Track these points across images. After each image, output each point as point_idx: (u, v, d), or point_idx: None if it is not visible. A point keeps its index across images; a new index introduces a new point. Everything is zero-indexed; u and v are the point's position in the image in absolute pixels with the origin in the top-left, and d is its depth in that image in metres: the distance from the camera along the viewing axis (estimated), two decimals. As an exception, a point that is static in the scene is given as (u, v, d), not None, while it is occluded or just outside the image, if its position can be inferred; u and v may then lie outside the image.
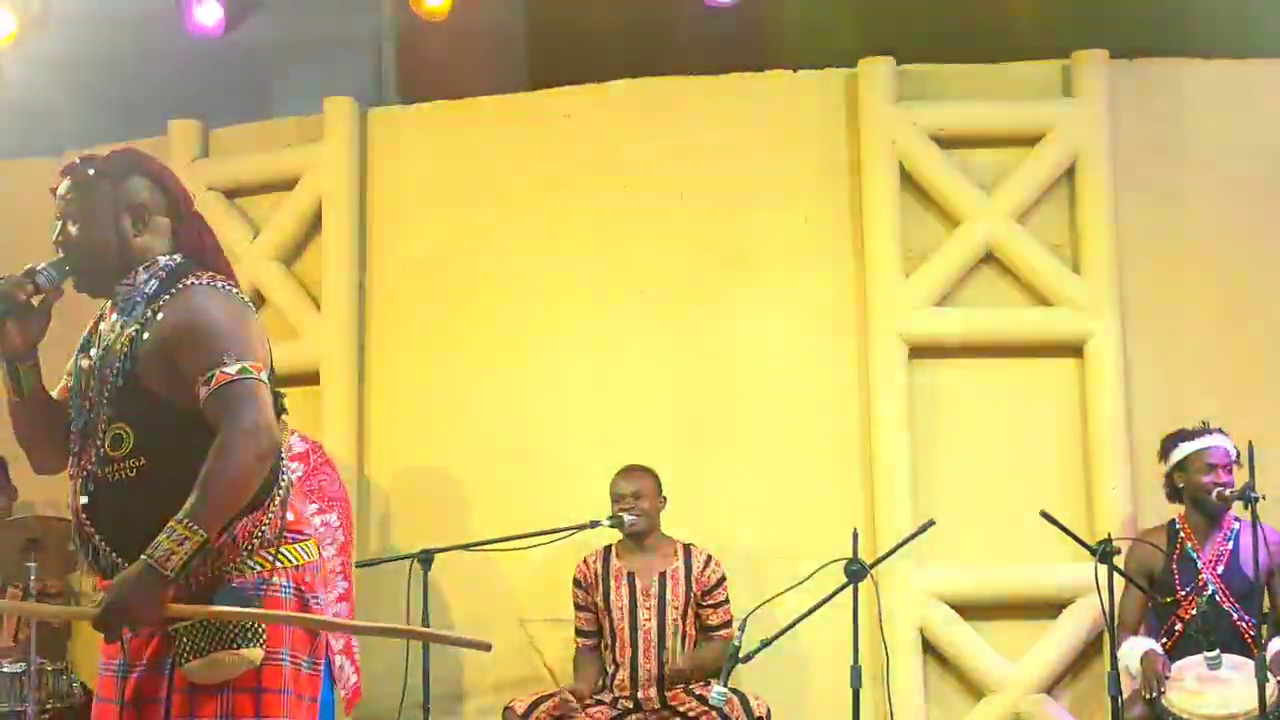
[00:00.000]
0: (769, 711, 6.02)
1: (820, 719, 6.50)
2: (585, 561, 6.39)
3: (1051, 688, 6.51)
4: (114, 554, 3.41)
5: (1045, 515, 5.76)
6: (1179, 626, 5.95)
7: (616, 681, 6.23)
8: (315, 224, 7.29)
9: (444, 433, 7.13)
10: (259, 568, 3.45)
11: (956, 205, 6.76)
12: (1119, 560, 5.78)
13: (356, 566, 6.52)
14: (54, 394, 3.63)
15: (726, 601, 6.28)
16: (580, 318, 7.06)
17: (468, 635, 3.80)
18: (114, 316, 3.55)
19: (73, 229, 3.52)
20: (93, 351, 3.54)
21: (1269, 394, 6.60)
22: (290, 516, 3.55)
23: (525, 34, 7.78)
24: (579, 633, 6.37)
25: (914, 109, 6.81)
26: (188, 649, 3.35)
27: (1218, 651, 5.69)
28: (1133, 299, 6.68)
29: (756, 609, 5.50)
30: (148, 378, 3.42)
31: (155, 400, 3.42)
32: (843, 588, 5.46)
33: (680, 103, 7.12)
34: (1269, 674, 5.48)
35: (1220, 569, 5.98)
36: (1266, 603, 5.92)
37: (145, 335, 3.44)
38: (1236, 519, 6.04)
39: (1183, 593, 5.97)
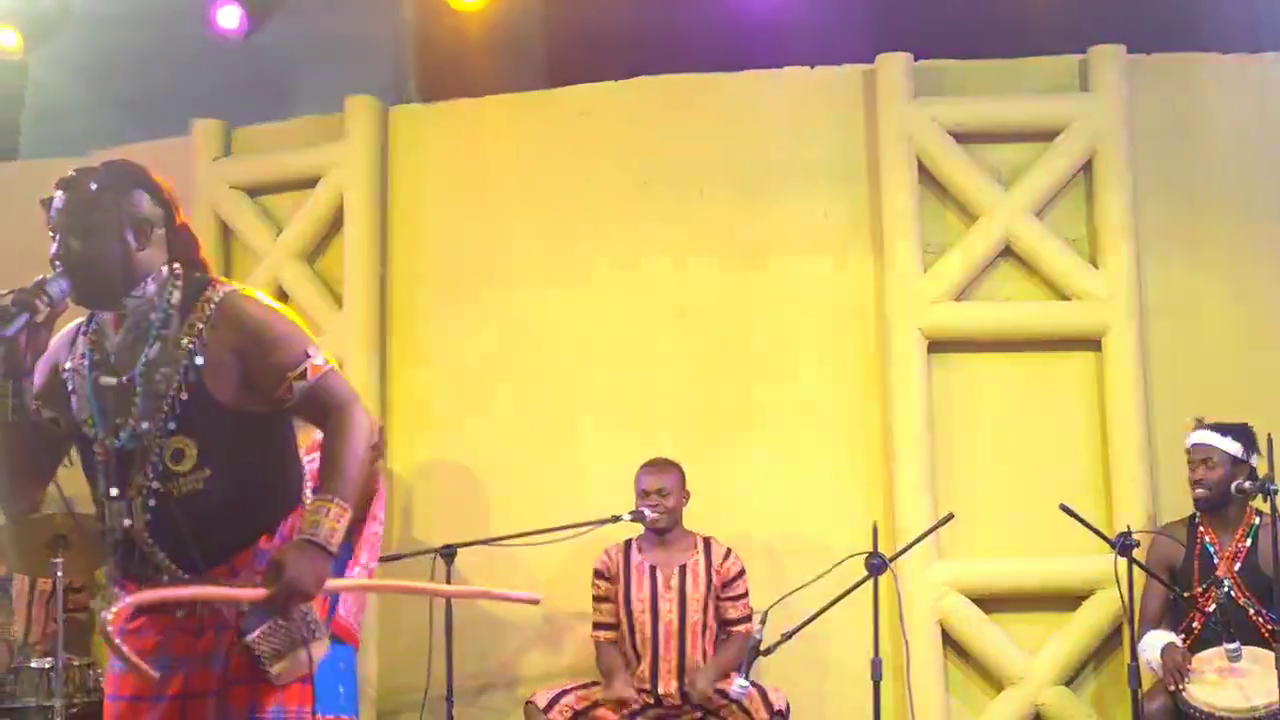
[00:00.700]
0: (788, 705, 6.05)
1: (840, 712, 6.53)
2: (607, 553, 6.42)
3: (1071, 680, 6.52)
4: (174, 565, 3.44)
5: (1065, 508, 5.77)
6: (1197, 622, 5.95)
7: (637, 674, 6.26)
8: (337, 222, 7.33)
9: (465, 428, 7.17)
10: None
11: (974, 200, 6.77)
12: (1138, 553, 5.78)
13: (379, 561, 6.56)
14: None
15: (746, 595, 6.31)
16: (600, 313, 7.10)
17: (513, 593, 3.88)
18: (121, 331, 3.53)
19: (76, 244, 3.46)
20: (138, 363, 3.49)
21: (1288, 386, 6.60)
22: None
23: (544, 32, 7.80)
24: (600, 626, 6.39)
25: (932, 105, 6.82)
26: (271, 652, 3.40)
27: (1238, 644, 5.67)
28: (1151, 292, 6.69)
29: (777, 602, 5.53)
30: (215, 389, 3.44)
31: (220, 410, 3.45)
32: (863, 581, 5.48)
33: (698, 100, 7.15)
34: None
35: (1238, 565, 5.96)
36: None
37: (206, 346, 3.45)
38: (1259, 514, 6.02)
39: (1201, 587, 5.98)
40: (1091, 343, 6.69)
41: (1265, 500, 5.64)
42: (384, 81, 7.65)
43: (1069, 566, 6.50)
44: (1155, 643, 5.88)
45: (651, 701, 6.21)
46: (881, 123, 6.83)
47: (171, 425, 3.44)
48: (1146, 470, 6.54)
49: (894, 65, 6.87)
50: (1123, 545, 5.62)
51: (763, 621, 5.36)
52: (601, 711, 6.16)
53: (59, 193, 3.52)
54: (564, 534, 6.28)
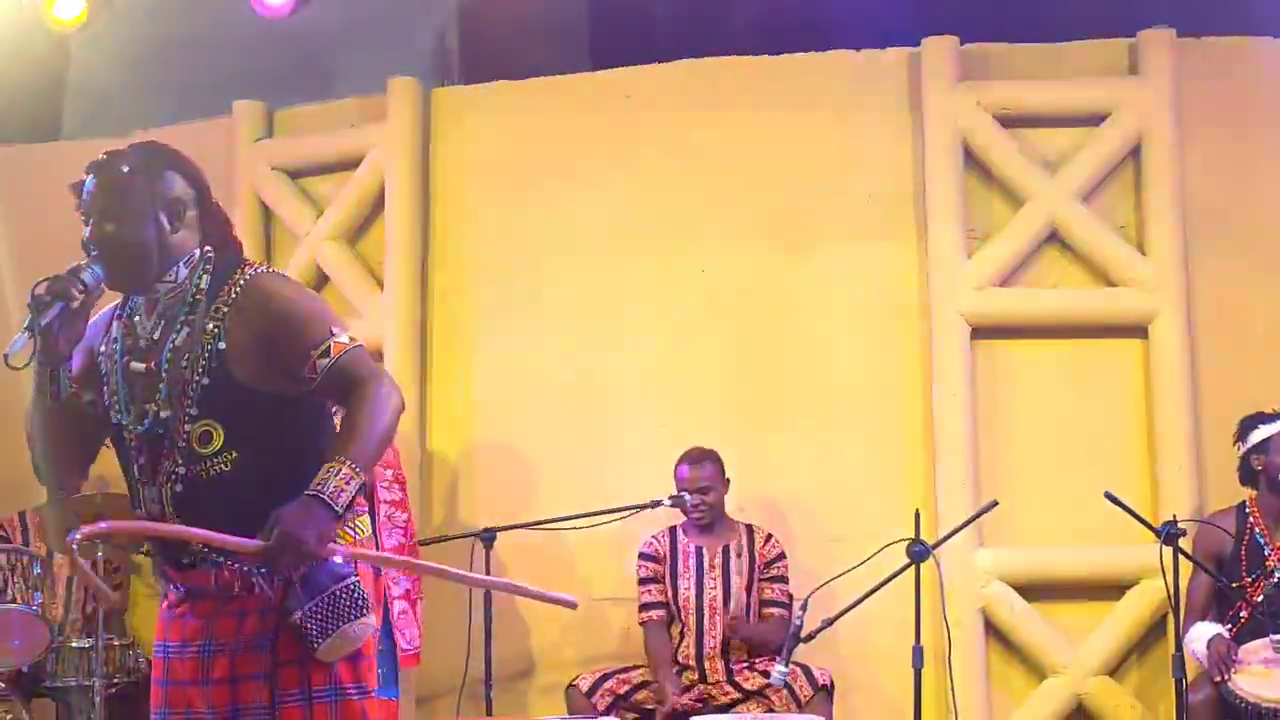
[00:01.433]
0: (832, 682, 6.04)
1: (882, 699, 6.51)
2: (654, 537, 6.45)
3: (1114, 670, 6.47)
4: (206, 547, 3.40)
5: (1110, 496, 5.71)
6: (1244, 613, 5.90)
7: (681, 653, 6.25)
8: (378, 204, 7.32)
9: (506, 411, 7.16)
10: (342, 541, 3.48)
11: (1020, 185, 6.72)
12: (1184, 542, 5.73)
13: (419, 544, 6.56)
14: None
15: (785, 580, 6.33)
16: (642, 297, 7.08)
17: (550, 593, 3.83)
18: (153, 316, 3.51)
19: (109, 228, 3.43)
20: (165, 348, 3.48)
21: (1336, 375, 6.53)
22: None
23: (587, 14, 7.78)
24: (647, 606, 6.38)
25: (977, 89, 6.77)
26: (317, 630, 3.36)
27: (1285, 634, 5.65)
28: (1198, 279, 6.62)
29: (818, 589, 5.50)
30: (241, 373, 3.41)
31: (247, 393, 3.41)
32: (905, 568, 5.45)
33: (742, 83, 7.11)
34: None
35: (1289, 555, 5.92)
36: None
37: (229, 330, 3.42)
38: None
39: (1249, 579, 5.93)
40: (1138, 330, 6.63)
41: None
42: (426, 63, 7.64)
43: (1113, 555, 6.46)
44: (1202, 634, 5.84)
45: (696, 678, 6.21)
46: (927, 107, 6.78)
47: (194, 410, 3.42)
48: (1193, 458, 6.49)
49: (940, 49, 6.81)
50: (1168, 534, 5.55)
51: (803, 608, 5.33)
52: (643, 695, 6.17)
53: (89, 176, 3.49)
54: (604, 518, 6.27)
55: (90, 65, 8.03)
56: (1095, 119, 6.73)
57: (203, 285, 3.48)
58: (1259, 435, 6.05)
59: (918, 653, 5.39)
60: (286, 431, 3.43)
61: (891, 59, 6.97)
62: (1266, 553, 5.94)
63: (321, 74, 7.84)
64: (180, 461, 3.43)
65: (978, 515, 5.88)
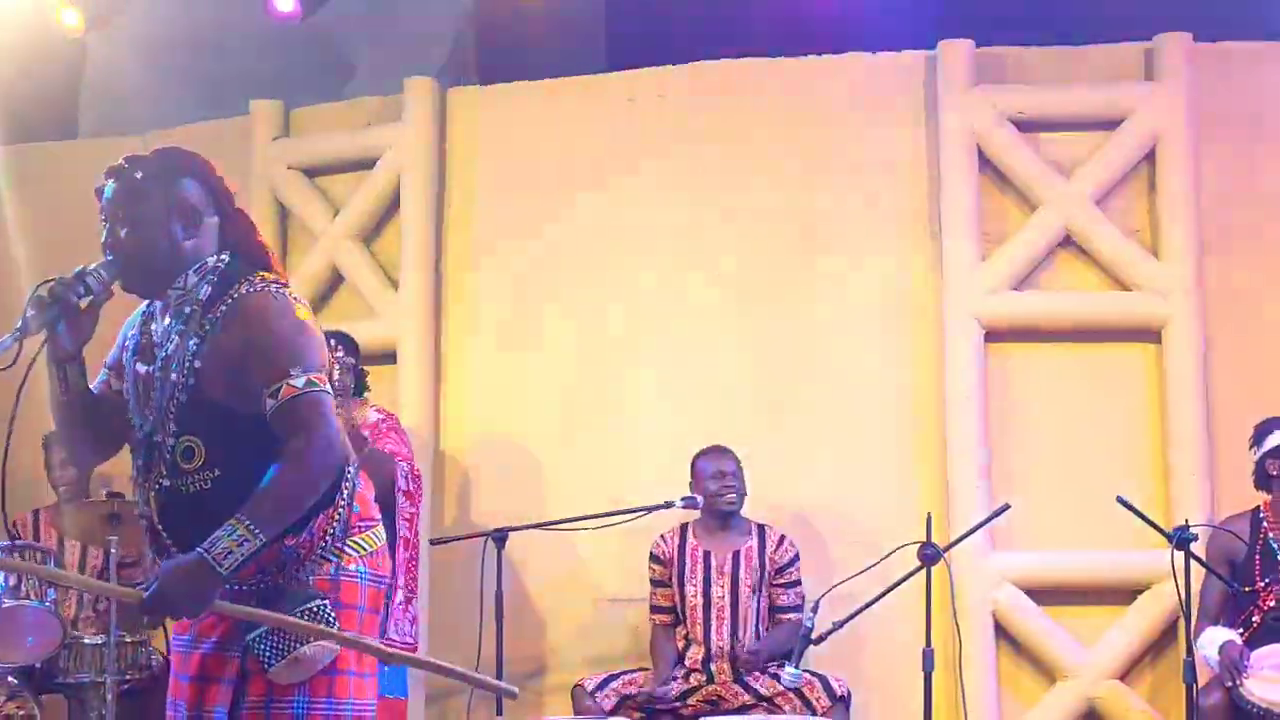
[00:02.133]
0: (849, 693, 6.03)
1: (892, 702, 6.50)
2: (662, 537, 6.42)
3: (1126, 674, 6.46)
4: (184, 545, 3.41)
5: (1122, 500, 5.69)
6: (1257, 618, 5.89)
7: (689, 657, 6.26)
8: (394, 203, 7.33)
9: (520, 411, 7.17)
10: (334, 558, 3.48)
11: (1035, 189, 6.71)
12: (1197, 547, 5.71)
13: (430, 544, 6.57)
14: (93, 388, 3.64)
15: (798, 584, 6.30)
16: (656, 298, 7.08)
17: (496, 681, 3.84)
18: (167, 320, 3.54)
19: (123, 233, 3.49)
20: (159, 356, 3.52)
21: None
22: (357, 508, 3.61)
23: (604, 15, 7.79)
24: (656, 609, 6.39)
25: (993, 92, 6.76)
26: (269, 653, 3.38)
27: (1298, 640, 5.64)
28: (1212, 283, 6.60)
29: (829, 591, 5.51)
30: (212, 391, 3.42)
31: (222, 412, 3.43)
32: (916, 571, 5.43)
33: (758, 85, 7.12)
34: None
35: (1304, 561, 5.91)
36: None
37: (205, 348, 3.43)
38: None
39: (1262, 583, 5.91)
40: (1151, 334, 6.62)
41: None
42: (443, 63, 7.66)
43: (1125, 560, 6.45)
44: (1214, 639, 5.82)
45: (704, 679, 6.20)
46: (942, 110, 6.78)
47: (174, 426, 3.45)
48: (1205, 463, 6.47)
49: (956, 52, 6.81)
50: (1180, 539, 5.53)
51: (814, 610, 5.33)
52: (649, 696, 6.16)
53: (109, 181, 3.54)
54: (616, 519, 6.27)
55: (108, 64, 8.07)
56: (1110, 123, 6.72)
57: (202, 296, 3.50)
58: (1274, 440, 6.02)
59: (928, 655, 5.37)
60: (268, 454, 3.37)
61: (907, 62, 6.98)
62: (1279, 558, 5.93)
63: (339, 73, 7.87)
64: (165, 473, 3.47)
65: (990, 519, 5.86)
